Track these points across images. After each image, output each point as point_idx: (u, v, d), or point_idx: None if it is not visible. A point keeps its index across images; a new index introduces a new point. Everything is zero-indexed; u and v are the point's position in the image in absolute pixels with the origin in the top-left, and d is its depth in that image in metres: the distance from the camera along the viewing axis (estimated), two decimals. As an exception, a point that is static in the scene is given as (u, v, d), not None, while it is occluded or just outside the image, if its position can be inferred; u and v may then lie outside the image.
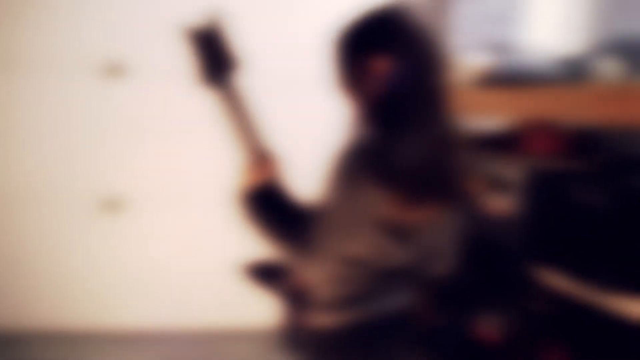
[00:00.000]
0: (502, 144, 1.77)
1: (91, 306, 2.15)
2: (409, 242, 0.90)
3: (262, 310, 1.64)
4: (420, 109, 0.89)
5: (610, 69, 1.44)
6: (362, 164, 0.85)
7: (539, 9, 2.07)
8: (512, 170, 1.63)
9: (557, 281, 1.43)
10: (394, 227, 0.87)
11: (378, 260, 0.89)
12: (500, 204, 1.69)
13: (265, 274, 1.18)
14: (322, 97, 1.52)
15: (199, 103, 1.78)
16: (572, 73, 1.52)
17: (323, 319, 0.95)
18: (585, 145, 1.53)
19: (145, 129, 2.07)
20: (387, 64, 0.90)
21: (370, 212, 0.86)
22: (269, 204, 0.95)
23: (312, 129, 2.06)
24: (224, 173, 1.91)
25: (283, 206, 0.96)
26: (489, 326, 1.60)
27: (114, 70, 2.03)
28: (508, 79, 1.67)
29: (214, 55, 0.94)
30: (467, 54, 1.90)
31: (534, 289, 1.49)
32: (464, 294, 1.60)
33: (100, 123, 2.05)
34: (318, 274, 0.92)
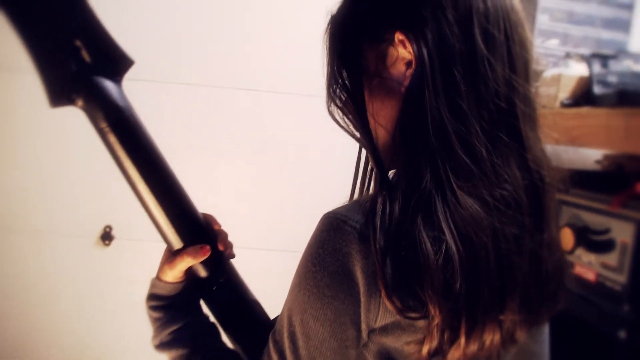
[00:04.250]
0: (603, 183, 1.31)
1: (92, 337, 1.90)
2: None
3: None
4: (473, 133, 0.51)
5: None
6: (359, 255, 0.49)
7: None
8: (617, 220, 1.18)
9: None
10: None
11: None
12: (595, 266, 1.24)
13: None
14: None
15: (194, 138, 1.68)
16: None
17: None
18: None
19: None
20: (409, 45, 0.52)
21: (374, 348, 0.51)
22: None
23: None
24: (221, 204, 1.70)
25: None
26: None
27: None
28: (617, 97, 1.21)
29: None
30: (560, 61, 1.45)
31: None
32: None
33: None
34: None
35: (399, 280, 0.48)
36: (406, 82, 0.54)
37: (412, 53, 0.53)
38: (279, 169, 1.78)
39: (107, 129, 0.60)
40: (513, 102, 0.54)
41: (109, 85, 0.58)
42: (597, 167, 1.43)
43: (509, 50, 0.54)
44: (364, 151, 0.61)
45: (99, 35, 0.59)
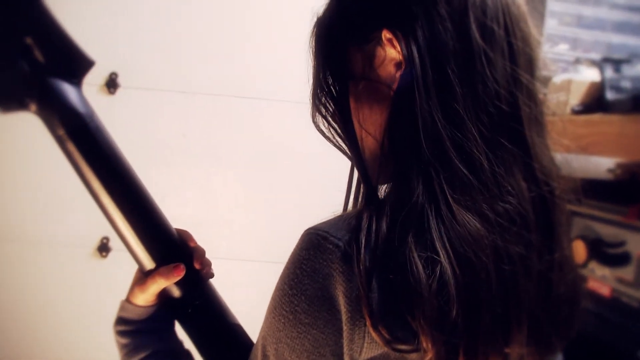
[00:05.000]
0: (616, 193, 1.25)
1: (89, 349, 1.85)
2: None
3: None
4: (471, 140, 0.46)
5: None
6: (341, 277, 0.44)
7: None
8: (632, 232, 1.12)
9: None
10: None
11: None
12: (610, 281, 1.17)
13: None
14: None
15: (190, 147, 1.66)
16: None
17: None
18: None
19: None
20: (397, 44, 0.48)
21: None
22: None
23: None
24: (218, 214, 1.70)
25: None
26: None
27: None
28: (631, 102, 1.15)
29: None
30: (569, 66, 1.40)
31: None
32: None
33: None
34: None
35: (387, 307, 0.42)
36: (396, 85, 0.49)
37: (401, 52, 0.47)
38: (278, 178, 1.74)
39: (64, 137, 0.54)
40: (516, 105, 0.48)
41: (66, 88, 0.53)
42: (609, 176, 1.37)
43: (510, 47, 0.48)
44: None
45: (53, 32, 0.52)
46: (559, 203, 0.50)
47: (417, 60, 0.46)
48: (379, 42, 0.50)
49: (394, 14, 0.48)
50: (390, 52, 0.49)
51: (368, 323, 0.42)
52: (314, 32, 0.55)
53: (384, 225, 0.43)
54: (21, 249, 1.83)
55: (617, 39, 1.57)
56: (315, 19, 0.55)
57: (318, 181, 1.71)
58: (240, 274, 1.68)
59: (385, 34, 0.48)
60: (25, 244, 1.83)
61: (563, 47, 1.60)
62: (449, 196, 0.44)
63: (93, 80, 1.74)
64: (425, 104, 0.45)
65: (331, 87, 0.53)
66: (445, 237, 0.43)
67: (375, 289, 0.42)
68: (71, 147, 0.54)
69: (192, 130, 1.72)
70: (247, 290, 1.71)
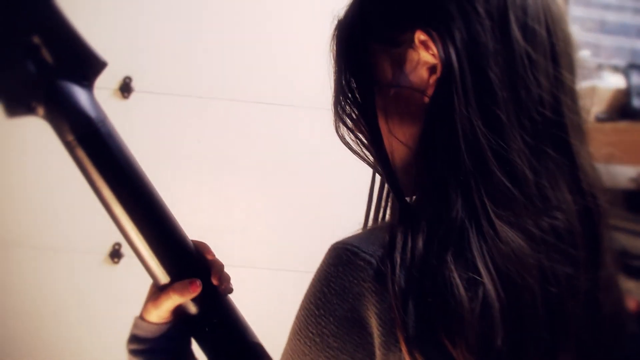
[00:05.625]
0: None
1: (100, 355, 1.84)
2: None
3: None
4: (514, 148, 0.43)
5: None
6: (373, 297, 0.41)
7: None
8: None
9: None
10: None
11: None
12: (637, 294, 1.13)
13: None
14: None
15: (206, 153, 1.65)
16: None
17: None
18: None
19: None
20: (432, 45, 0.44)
21: None
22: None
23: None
24: (233, 221, 1.68)
25: None
26: None
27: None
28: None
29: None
30: (592, 73, 1.36)
31: None
32: None
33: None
34: None
35: (424, 332, 0.39)
36: (430, 91, 0.45)
37: (437, 55, 0.44)
38: (293, 185, 1.72)
39: (74, 143, 0.51)
40: (560, 110, 0.45)
41: (76, 90, 0.50)
42: (632, 185, 1.33)
43: (552, 48, 0.45)
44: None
45: (62, 31, 0.49)
46: (604, 216, 0.47)
47: (455, 63, 0.43)
48: (410, 44, 0.46)
49: (428, 13, 0.45)
50: (424, 55, 0.46)
51: (404, 349, 0.39)
52: (335, 35, 0.52)
53: (420, 243, 0.40)
54: (33, 255, 1.82)
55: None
56: (336, 22, 0.52)
57: (335, 189, 1.69)
58: (254, 282, 1.65)
59: (419, 36, 0.45)
60: (36, 250, 1.82)
61: (585, 53, 1.56)
62: (490, 211, 0.41)
63: (106, 84, 1.73)
64: (465, 110, 0.42)
65: (355, 94, 0.49)
66: (488, 256, 0.40)
67: (412, 312, 0.39)
68: (81, 153, 0.51)
69: (207, 136, 1.70)
70: (261, 299, 1.69)
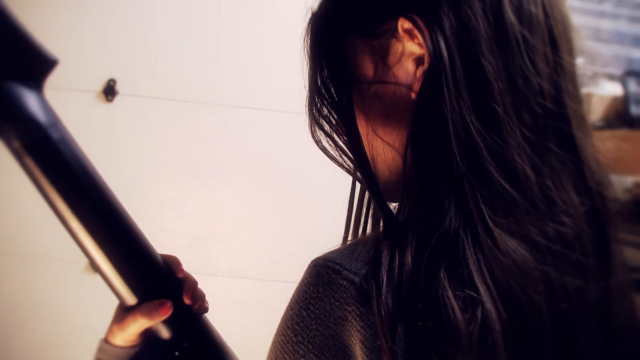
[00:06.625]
0: (637, 214, 1.18)
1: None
2: None
3: None
4: (514, 148, 0.38)
5: None
6: (358, 321, 0.35)
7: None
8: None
9: None
10: None
11: None
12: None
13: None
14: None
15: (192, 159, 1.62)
16: None
17: None
18: None
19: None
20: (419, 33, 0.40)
21: None
22: None
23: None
24: (220, 230, 1.60)
25: None
26: None
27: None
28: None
29: None
30: (587, 81, 1.34)
31: None
32: None
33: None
34: None
35: None
36: (417, 85, 0.41)
37: (424, 45, 0.40)
38: (282, 193, 1.69)
39: (21, 150, 0.45)
40: (562, 100, 0.40)
41: (22, 92, 0.44)
42: (626, 196, 1.30)
43: (550, 31, 0.41)
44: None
45: (6, 28, 0.43)
46: (613, 217, 0.43)
47: (444, 52, 0.38)
48: (393, 34, 0.42)
49: None
50: (409, 45, 0.41)
51: None
52: (309, 29, 0.47)
53: (409, 258, 0.36)
54: (12, 263, 1.78)
55: (637, 53, 1.51)
56: (310, 15, 0.47)
57: (324, 197, 1.65)
58: (241, 292, 1.61)
59: (403, 24, 0.41)
60: (17, 259, 1.78)
61: (580, 61, 1.54)
62: (488, 219, 0.36)
63: (89, 87, 1.70)
64: (457, 104, 0.37)
65: (332, 94, 0.45)
66: (486, 270, 0.35)
67: (401, 339, 0.34)
68: (29, 161, 0.45)
69: (193, 140, 1.67)
70: (249, 310, 1.64)
